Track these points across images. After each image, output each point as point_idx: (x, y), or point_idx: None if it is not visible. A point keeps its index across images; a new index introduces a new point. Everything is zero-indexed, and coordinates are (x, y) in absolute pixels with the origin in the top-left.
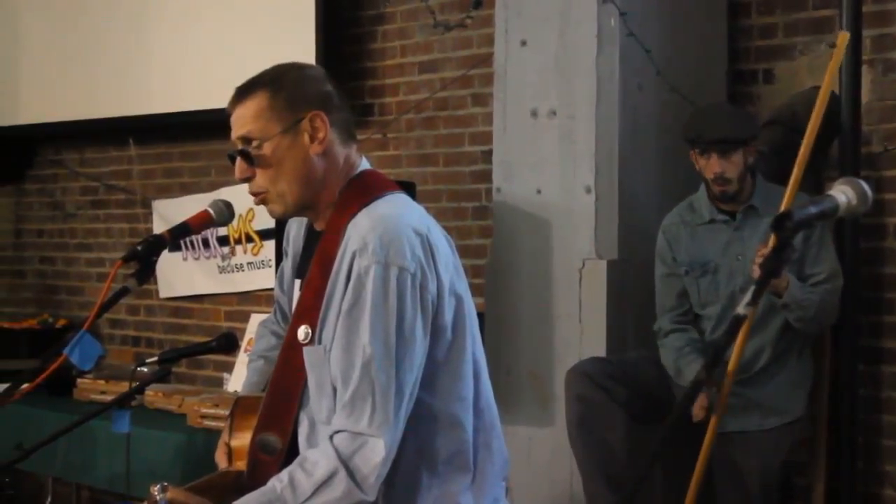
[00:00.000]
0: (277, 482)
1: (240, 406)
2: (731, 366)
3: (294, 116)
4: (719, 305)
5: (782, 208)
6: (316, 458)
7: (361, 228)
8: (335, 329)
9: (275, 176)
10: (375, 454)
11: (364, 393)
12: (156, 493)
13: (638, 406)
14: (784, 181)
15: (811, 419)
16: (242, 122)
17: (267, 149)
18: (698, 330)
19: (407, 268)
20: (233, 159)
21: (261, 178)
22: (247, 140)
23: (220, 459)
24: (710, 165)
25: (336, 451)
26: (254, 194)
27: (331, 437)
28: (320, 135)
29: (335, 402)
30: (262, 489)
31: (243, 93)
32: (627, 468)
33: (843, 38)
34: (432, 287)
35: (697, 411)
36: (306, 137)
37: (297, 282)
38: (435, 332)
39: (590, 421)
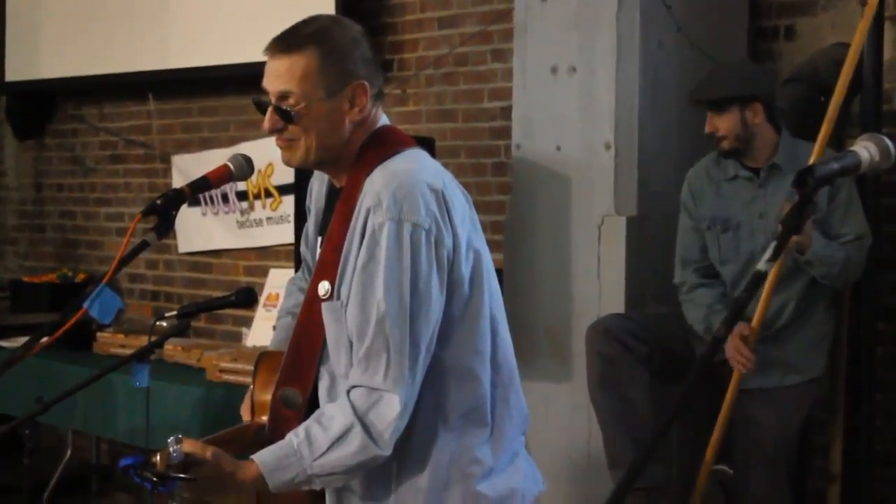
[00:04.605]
0: (294, 437)
1: (264, 361)
2: (755, 322)
3: (341, 84)
4: (739, 263)
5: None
6: (332, 413)
7: (376, 185)
8: (351, 285)
9: (306, 131)
10: (391, 410)
11: (379, 349)
12: (171, 445)
13: (659, 362)
14: (805, 137)
15: (830, 377)
16: (285, 78)
17: (305, 109)
18: None
19: (421, 224)
20: (263, 109)
21: (293, 130)
22: (284, 96)
23: (245, 413)
24: (707, 123)
25: (352, 406)
26: (283, 140)
27: (348, 392)
28: (361, 103)
29: (353, 357)
30: (280, 443)
31: (290, 46)
32: (648, 424)
33: None
34: (448, 242)
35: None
36: (347, 104)
37: (320, 239)
38: (451, 286)
39: (611, 377)
